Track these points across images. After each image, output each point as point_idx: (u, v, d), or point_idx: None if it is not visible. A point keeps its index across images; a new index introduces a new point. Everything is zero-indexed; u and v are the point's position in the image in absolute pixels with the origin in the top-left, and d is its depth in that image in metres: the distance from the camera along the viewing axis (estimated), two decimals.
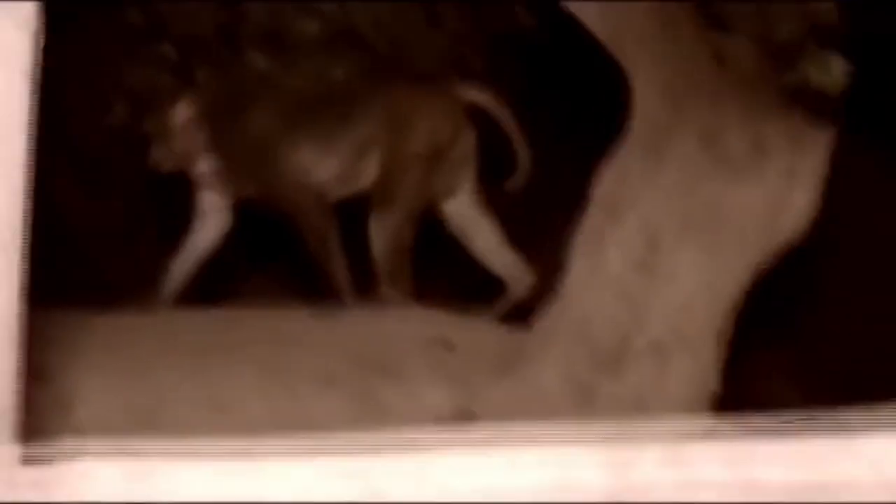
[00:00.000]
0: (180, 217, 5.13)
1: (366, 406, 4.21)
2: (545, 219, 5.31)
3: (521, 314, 4.73)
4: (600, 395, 4.05)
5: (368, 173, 4.94)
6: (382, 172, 4.90)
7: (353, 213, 4.96)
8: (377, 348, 4.51)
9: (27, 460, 2.10)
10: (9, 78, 1.93)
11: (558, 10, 4.37)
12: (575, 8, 4.20)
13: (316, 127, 4.96)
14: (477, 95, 4.98)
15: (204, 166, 5.00)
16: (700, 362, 4.03)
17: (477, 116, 4.99)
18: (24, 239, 1.95)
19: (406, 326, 4.71)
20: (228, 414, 4.12)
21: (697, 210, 4.04)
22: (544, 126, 5.76)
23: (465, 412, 4.16)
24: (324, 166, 4.95)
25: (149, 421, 4.02)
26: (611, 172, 4.16)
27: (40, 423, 2.63)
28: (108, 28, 5.57)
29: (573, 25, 4.29)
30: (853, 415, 2.20)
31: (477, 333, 4.66)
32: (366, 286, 4.94)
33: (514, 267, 5.00)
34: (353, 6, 5.35)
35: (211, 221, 5.04)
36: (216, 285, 5.30)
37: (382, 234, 4.86)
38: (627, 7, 4.05)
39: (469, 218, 5.01)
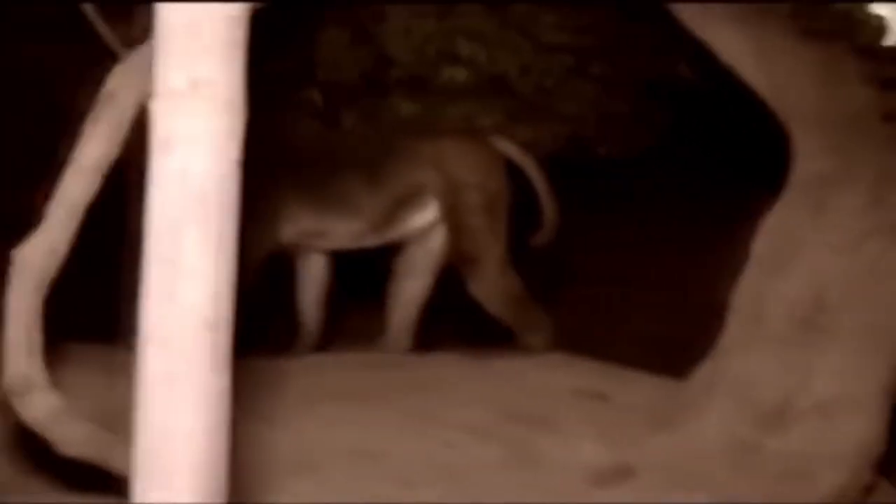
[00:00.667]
0: None
1: (519, 457, 4.19)
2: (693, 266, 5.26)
3: None
4: (762, 453, 3.98)
5: (410, 224, 4.98)
6: (452, 231, 4.91)
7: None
8: (528, 398, 4.50)
9: None
10: None
11: (714, 60, 4.34)
12: (733, 59, 4.16)
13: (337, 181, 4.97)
14: (508, 148, 4.96)
15: None
16: (867, 422, 3.95)
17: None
18: None
19: (554, 376, 4.69)
20: (380, 462, 4.13)
21: (863, 267, 3.97)
22: (687, 174, 5.72)
23: (621, 466, 4.13)
24: (342, 219, 4.97)
25: (302, 468, 4.04)
26: (773, 227, 4.10)
27: None
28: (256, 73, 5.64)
29: (729, 75, 4.26)
30: None
31: (629, 385, 4.63)
32: (507, 337, 4.95)
33: (531, 322, 4.98)
34: (501, 54, 5.37)
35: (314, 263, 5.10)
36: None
37: (485, 291, 4.88)
38: (790, 64, 4.00)
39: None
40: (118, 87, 3.10)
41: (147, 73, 3.17)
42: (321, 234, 4.98)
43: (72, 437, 3.09)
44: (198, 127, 1.97)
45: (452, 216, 4.88)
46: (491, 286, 4.85)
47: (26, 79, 6.76)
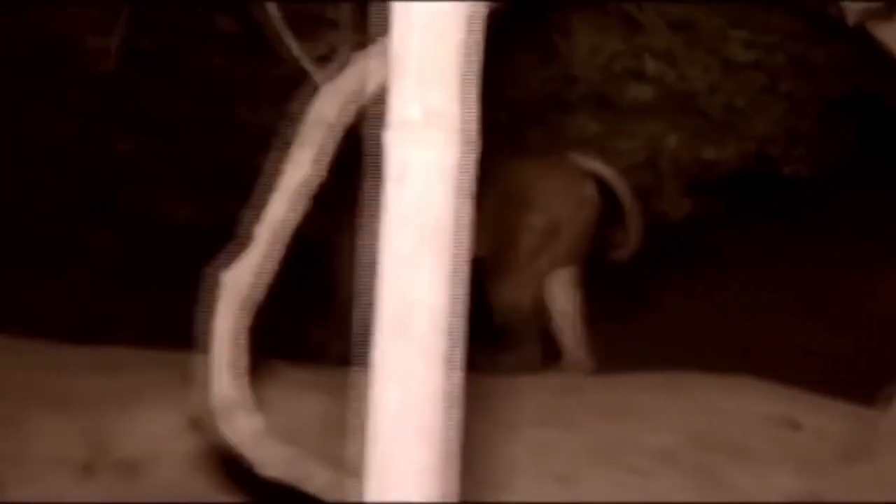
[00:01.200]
0: None
1: (709, 485, 4.09)
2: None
3: None
4: None
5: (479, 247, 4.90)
6: (496, 243, 4.84)
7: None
8: (718, 424, 4.40)
9: None
10: None
11: None
12: None
13: None
14: (597, 166, 4.85)
15: None
16: None
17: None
18: None
19: (744, 402, 4.58)
20: (570, 488, 4.07)
21: None
22: (873, 191, 5.57)
23: (813, 497, 4.00)
24: None
25: (495, 490, 4.01)
26: None
27: None
28: None
29: None
30: None
31: (820, 411, 4.50)
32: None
33: (579, 345, 4.92)
34: (690, 72, 5.28)
35: None
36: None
37: (501, 303, 4.89)
38: None
39: (567, 285, 4.91)
40: (324, 110, 3.10)
41: (353, 94, 3.18)
42: None
43: (272, 458, 3.10)
44: (432, 158, 1.94)
45: (508, 228, 4.91)
46: (507, 296, 4.90)
47: (209, 93, 6.85)
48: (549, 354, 5.12)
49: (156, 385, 4.68)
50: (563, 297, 4.99)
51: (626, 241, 4.87)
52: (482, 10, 2.02)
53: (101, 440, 4.37)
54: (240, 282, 3.00)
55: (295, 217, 3.05)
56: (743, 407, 4.50)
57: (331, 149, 3.07)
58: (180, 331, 5.91)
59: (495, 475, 4.03)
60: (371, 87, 3.16)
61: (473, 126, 1.98)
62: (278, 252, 3.03)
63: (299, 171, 3.04)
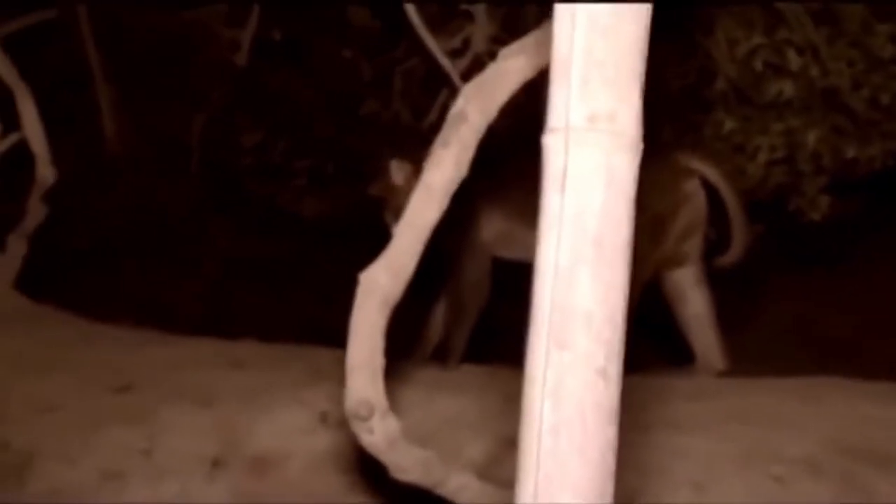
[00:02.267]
0: None
1: (853, 495, 3.95)
2: None
3: None
4: None
5: None
6: None
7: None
8: (859, 430, 4.25)
9: None
10: None
11: None
12: None
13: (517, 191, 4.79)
14: (700, 165, 4.65)
15: None
16: None
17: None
18: None
19: (886, 407, 4.43)
20: (707, 494, 3.96)
21: None
22: None
23: None
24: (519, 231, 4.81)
25: (635, 495, 3.92)
26: None
27: None
28: None
29: None
30: None
31: None
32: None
33: (711, 347, 4.79)
34: (834, 67, 5.11)
35: None
36: None
37: (680, 315, 4.76)
38: None
39: (688, 286, 4.72)
40: (468, 108, 3.03)
41: (495, 92, 3.11)
42: (514, 241, 4.89)
43: (407, 462, 3.05)
44: (594, 163, 1.85)
45: None
46: (687, 303, 4.75)
47: (338, 86, 6.84)
48: (680, 357, 4.99)
49: (286, 381, 4.67)
50: (692, 297, 4.86)
51: (731, 246, 4.72)
52: (649, 7, 1.94)
53: (232, 436, 4.36)
54: (379, 281, 2.94)
55: (436, 217, 2.99)
56: (885, 412, 4.34)
57: (473, 148, 3.00)
58: (308, 325, 5.92)
59: (628, 480, 3.94)
60: (514, 84, 3.08)
61: (639, 130, 1.89)
62: (419, 252, 2.97)
63: (442, 171, 2.98)
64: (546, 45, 3.14)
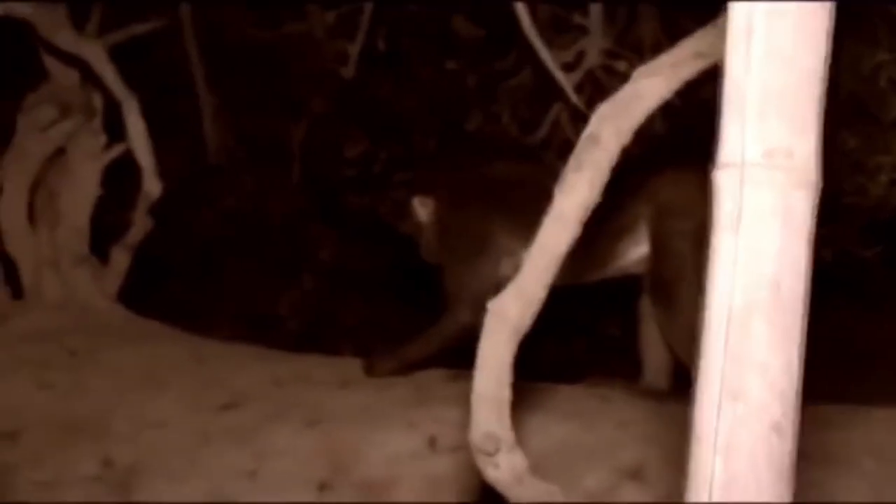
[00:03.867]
0: None
1: None
2: None
3: None
4: None
5: (626, 259, 4.64)
6: (655, 256, 4.53)
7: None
8: None
9: None
10: None
11: None
12: None
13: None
14: None
15: None
16: None
17: None
18: None
19: None
20: None
21: None
22: None
23: None
24: None
25: None
26: None
27: None
28: None
29: None
30: None
31: None
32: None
33: (662, 366, 4.63)
34: None
35: None
36: None
37: (674, 324, 4.50)
38: None
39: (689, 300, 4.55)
40: (602, 130, 2.90)
41: (630, 114, 2.98)
42: None
43: (532, 497, 2.93)
44: (771, 203, 1.73)
45: (659, 240, 4.55)
46: (681, 318, 4.47)
47: (442, 97, 6.74)
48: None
49: (393, 401, 4.57)
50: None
51: None
52: (829, 33, 1.81)
53: (339, 459, 4.27)
54: (507, 311, 2.82)
55: (569, 243, 2.86)
56: None
57: (607, 172, 2.87)
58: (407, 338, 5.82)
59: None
60: (649, 107, 2.95)
61: (817, 166, 1.76)
62: (549, 280, 2.85)
63: (575, 196, 2.85)
64: (682, 65, 3.01)
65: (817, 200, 1.76)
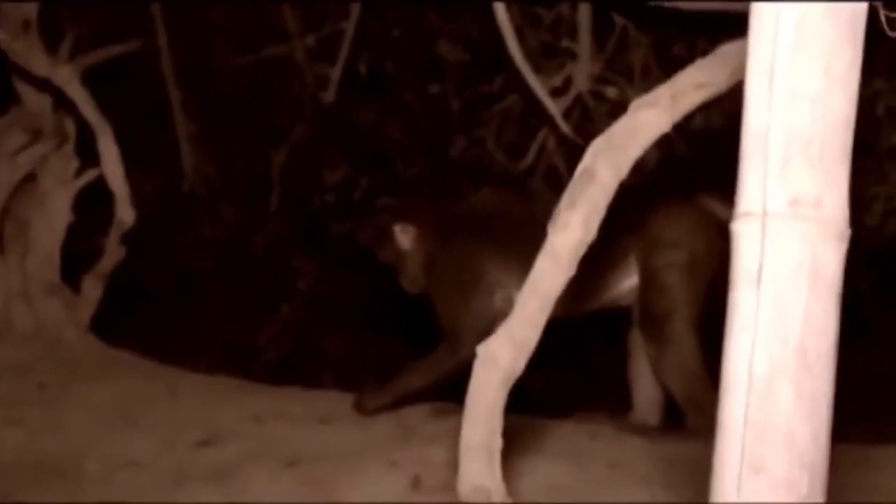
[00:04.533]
0: None
1: None
2: None
3: None
4: None
5: (616, 291, 4.54)
6: (645, 289, 4.45)
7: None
8: None
9: None
10: None
11: None
12: None
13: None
14: (720, 209, 4.39)
15: None
16: None
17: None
18: None
19: None
20: None
21: None
22: None
23: None
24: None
25: None
26: None
27: None
28: None
29: None
30: None
31: None
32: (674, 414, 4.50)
33: (699, 400, 4.40)
34: None
35: None
36: None
37: (664, 357, 4.42)
38: None
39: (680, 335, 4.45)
40: (597, 165, 2.77)
41: (627, 148, 2.84)
42: None
43: None
44: (797, 256, 1.58)
45: (648, 273, 4.47)
46: (672, 353, 4.41)
47: (424, 122, 6.60)
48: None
49: (376, 438, 4.43)
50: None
51: None
52: (859, 69, 1.66)
53: (320, 501, 4.10)
54: (498, 356, 2.69)
55: (563, 283, 2.72)
56: None
57: (603, 209, 2.73)
58: (393, 371, 5.68)
59: None
60: (647, 140, 2.81)
61: (847, 216, 1.62)
62: (542, 323, 2.71)
63: (568, 234, 2.72)
64: (681, 97, 2.87)
65: (845, 254, 1.62)
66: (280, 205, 6.86)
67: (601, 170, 2.71)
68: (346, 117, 6.48)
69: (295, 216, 6.93)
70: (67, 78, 4.97)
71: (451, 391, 4.68)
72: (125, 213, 5.24)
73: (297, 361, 7.02)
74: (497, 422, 2.63)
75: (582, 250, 2.68)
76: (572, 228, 2.66)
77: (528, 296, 2.67)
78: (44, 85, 5.14)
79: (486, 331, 4.55)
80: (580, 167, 2.74)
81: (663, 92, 2.81)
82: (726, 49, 2.87)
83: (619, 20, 5.04)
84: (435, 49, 6.10)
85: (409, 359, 4.84)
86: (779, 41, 1.60)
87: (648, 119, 2.78)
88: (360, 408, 4.67)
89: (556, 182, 5.47)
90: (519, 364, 2.65)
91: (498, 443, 2.64)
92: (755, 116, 1.62)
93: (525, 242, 4.61)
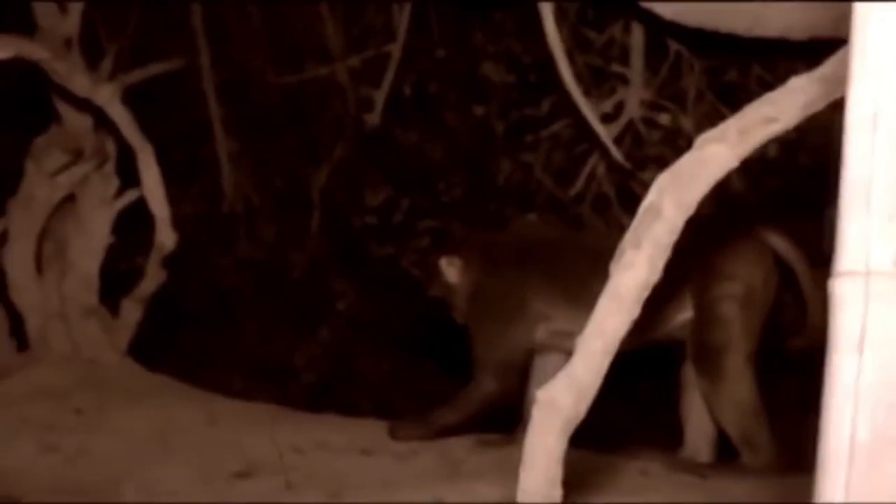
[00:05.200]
0: None
1: None
2: None
3: None
4: None
5: (669, 324, 4.45)
6: (701, 322, 4.36)
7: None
8: None
9: None
10: None
11: None
12: None
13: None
14: (779, 243, 4.28)
15: None
16: None
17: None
18: None
19: None
20: None
21: None
22: None
23: None
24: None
25: None
26: None
27: None
28: None
29: None
30: None
31: None
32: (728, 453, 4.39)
33: (755, 437, 4.33)
34: None
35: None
36: None
37: (718, 393, 4.32)
38: None
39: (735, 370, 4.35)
40: (663, 202, 2.64)
41: (694, 184, 2.71)
42: (572, 335, 4.51)
43: None
44: None
45: (704, 306, 4.38)
46: (727, 387, 4.33)
47: (468, 144, 6.50)
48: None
49: (419, 472, 4.33)
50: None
51: (805, 329, 4.36)
52: None
53: None
54: (559, 401, 2.56)
55: (626, 326, 2.60)
56: None
57: (669, 248, 2.61)
58: (433, 396, 5.55)
59: None
60: (715, 175, 2.69)
61: None
62: (605, 367, 2.58)
63: (633, 274, 2.59)
64: (750, 132, 2.73)
65: None
66: (320, 226, 6.76)
67: (667, 207, 2.59)
68: (389, 138, 6.38)
69: (335, 237, 6.84)
70: (109, 98, 4.88)
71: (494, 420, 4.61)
72: (166, 237, 5.15)
73: (334, 384, 6.93)
74: (557, 471, 2.51)
75: (647, 291, 2.56)
76: (637, 268, 2.54)
77: (590, 338, 2.55)
78: (84, 104, 5.05)
79: (523, 364, 4.53)
80: (645, 203, 2.62)
81: (731, 126, 2.67)
82: (796, 82, 2.73)
83: (673, 45, 4.93)
84: (479, 69, 6.00)
85: (445, 383, 4.75)
86: (884, 80, 1.47)
87: (716, 154, 2.65)
88: (393, 434, 4.62)
89: (605, 209, 5.37)
90: (581, 409, 2.54)
91: (558, 493, 2.52)
92: (856, 164, 1.49)
93: (571, 274, 4.55)
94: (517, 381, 4.56)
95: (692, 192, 2.66)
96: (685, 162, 2.70)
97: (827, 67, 2.71)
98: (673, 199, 2.64)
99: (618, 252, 2.66)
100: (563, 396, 2.58)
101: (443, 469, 4.37)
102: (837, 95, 2.75)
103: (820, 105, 2.72)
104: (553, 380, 2.59)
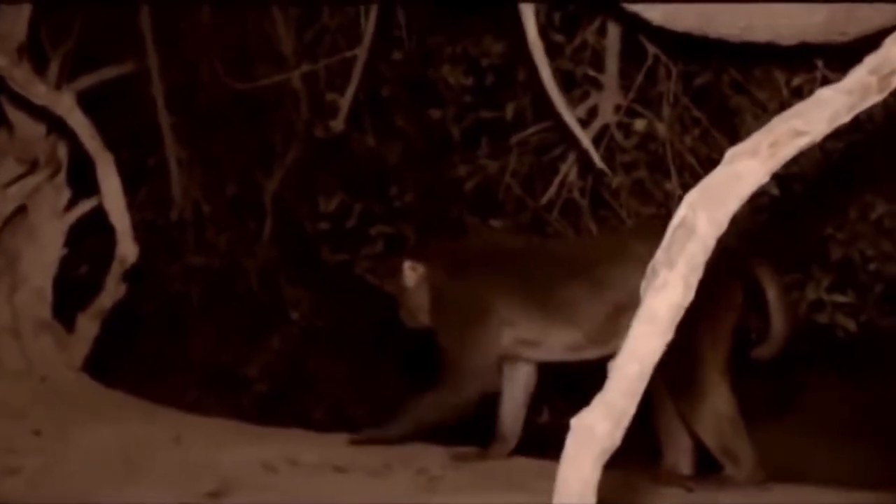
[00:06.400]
0: None
1: None
2: None
3: None
4: None
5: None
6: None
7: None
8: None
9: None
10: None
11: None
12: None
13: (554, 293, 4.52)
14: (753, 261, 4.29)
15: None
16: None
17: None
18: None
19: None
20: None
21: None
22: None
23: None
24: (563, 332, 4.53)
25: None
26: None
27: None
28: None
29: None
30: None
31: None
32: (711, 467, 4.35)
33: (735, 448, 4.30)
34: None
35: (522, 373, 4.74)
36: None
37: (696, 406, 4.27)
38: None
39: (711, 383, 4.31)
40: (697, 220, 2.55)
41: (726, 200, 2.63)
42: (536, 344, 4.57)
43: None
44: None
45: None
46: (703, 402, 4.28)
47: (423, 148, 6.40)
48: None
49: (395, 489, 4.23)
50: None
51: (769, 338, 4.36)
52: None
53: None
54: (594, 428, 2.46)
55: (661, 349, 2.50)
56: None
57: (702, 267, 2.52)
58: (384, 402, 5.46)
59: None
60: (747, 191, 2.61)
61: None
62: (641, 391, 2.49)
63: (668, 295, 2.49)
64: (781, 145, 2.65)
65: None
66: (272, 232, 6.63)
67: (701, 224, 2.50)
68: (342, 142, 6.26)
69: (287, 243, 6.71)
70: (69, 106, 4.70)
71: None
72: (128, 250, 4.97)
73: (288, 392, 6.81)
74: (591, 499, 2.41)
75: (681, 312, 2.46)
76: (672, 288, 2.45)
77: (625, 362, 2.46)
78: (39, 112, 4.87)
79: (492, 370, 4.46)
80: (675, 221, 2.53)
81: (761, 140, 2.60)
82: (824, 94, 2.66)
83: (651, 48, 4.84)
84: (437, 73, 5.89)
85: (401, 389, 4.68)
86: None
87: (748, 169, 2.57)
88: (354, 440, 4.60)
89: (575, 216, 5.29)
90: (617, 436, 2.44)
91: None
92: None
93: (537, 282, 4.50)
94: (496, 381, 4.55)
95: (725, 208, 2.57)
96: (716, 177, 2.61)
97: (852, 79, 2.65)
98: (706, 216, 2.55)
99: (649, 273, 2.56)
100: (599, 423, 2.48)
101: (419, 485, 4.28)
102: (863, 107, 2.69)
103: (846, 117, 2.66)
104: (589, 407, 2.49)
